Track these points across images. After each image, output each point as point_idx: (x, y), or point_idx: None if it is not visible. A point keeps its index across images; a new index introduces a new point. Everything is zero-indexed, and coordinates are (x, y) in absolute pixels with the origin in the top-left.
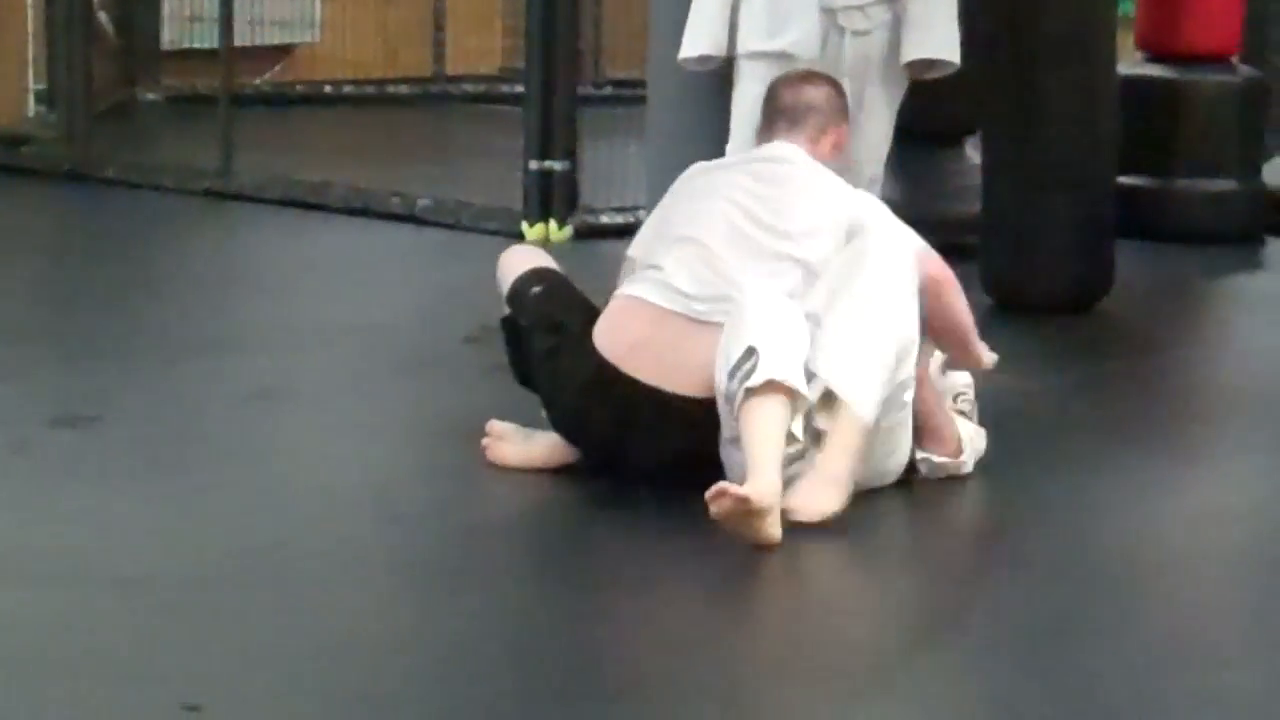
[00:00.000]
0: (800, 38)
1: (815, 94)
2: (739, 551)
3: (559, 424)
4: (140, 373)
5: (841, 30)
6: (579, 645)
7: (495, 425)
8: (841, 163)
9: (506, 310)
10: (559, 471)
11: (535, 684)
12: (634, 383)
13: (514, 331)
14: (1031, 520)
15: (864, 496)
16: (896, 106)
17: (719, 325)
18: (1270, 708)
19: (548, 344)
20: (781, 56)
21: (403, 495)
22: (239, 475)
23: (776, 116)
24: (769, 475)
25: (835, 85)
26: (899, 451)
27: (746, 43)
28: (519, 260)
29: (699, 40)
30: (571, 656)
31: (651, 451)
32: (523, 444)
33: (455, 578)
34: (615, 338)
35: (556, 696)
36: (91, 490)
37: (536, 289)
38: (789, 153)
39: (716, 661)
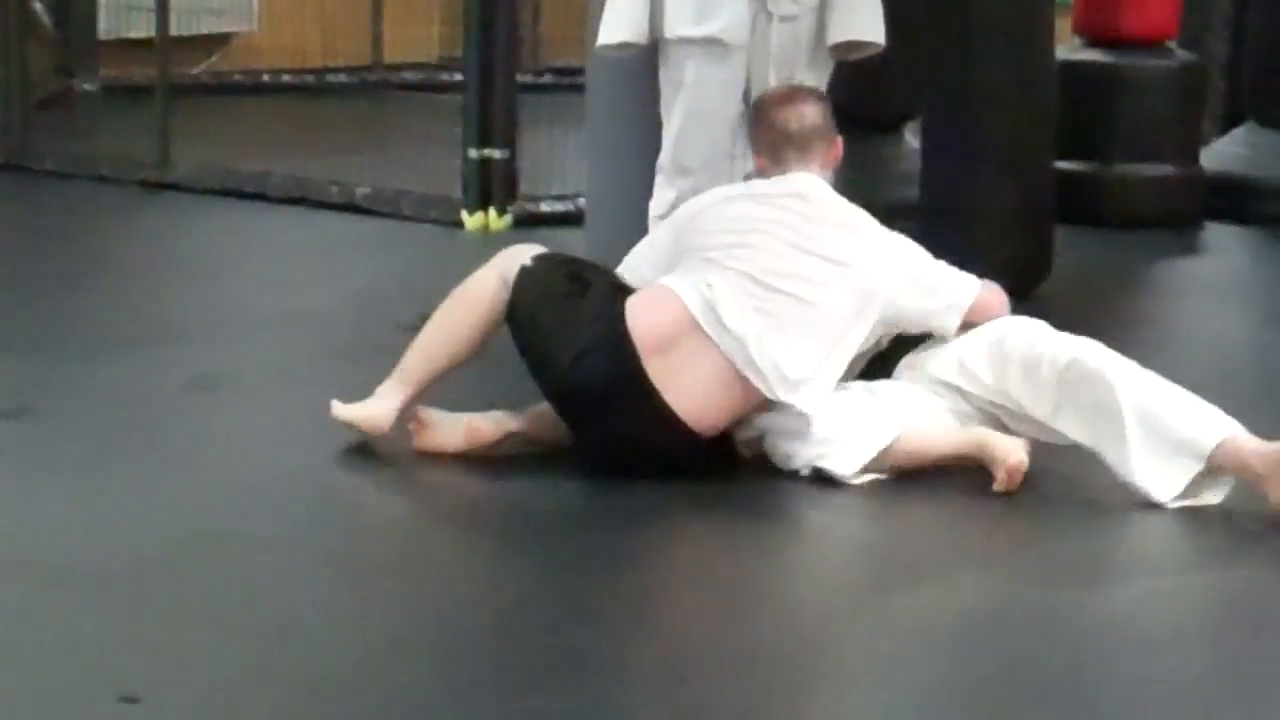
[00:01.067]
0: (730, 23)
1: (813, 114)
2: (681, 536)
3: (554, 363)
4: (77, 363)
5: (769, 15)
6: (515, 632)
7: (423, 413)
8: (832, 167)
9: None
10: (496, 460)
11: (470, 671)
12: (651, 390)
13: (532, 277)
14: (964, 507)
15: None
16: (825, 89)
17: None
18: (1212, 689)
19: (569, 287)
20: (711, 42)
21: (340, 483)
22: (176, 464)
23: (784, 145)
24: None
25: (821, 96)
26: None
27: (674, 27)
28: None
29: (618, 27)
30: (507, 643)
31: (630, 441)
32: (450, 428)
33: (392, 566)
34: (649, 323)
35: (492, 684)
36: (27, 481)
37: (563, 256)
38: (812, 188)
39: (656, 646)
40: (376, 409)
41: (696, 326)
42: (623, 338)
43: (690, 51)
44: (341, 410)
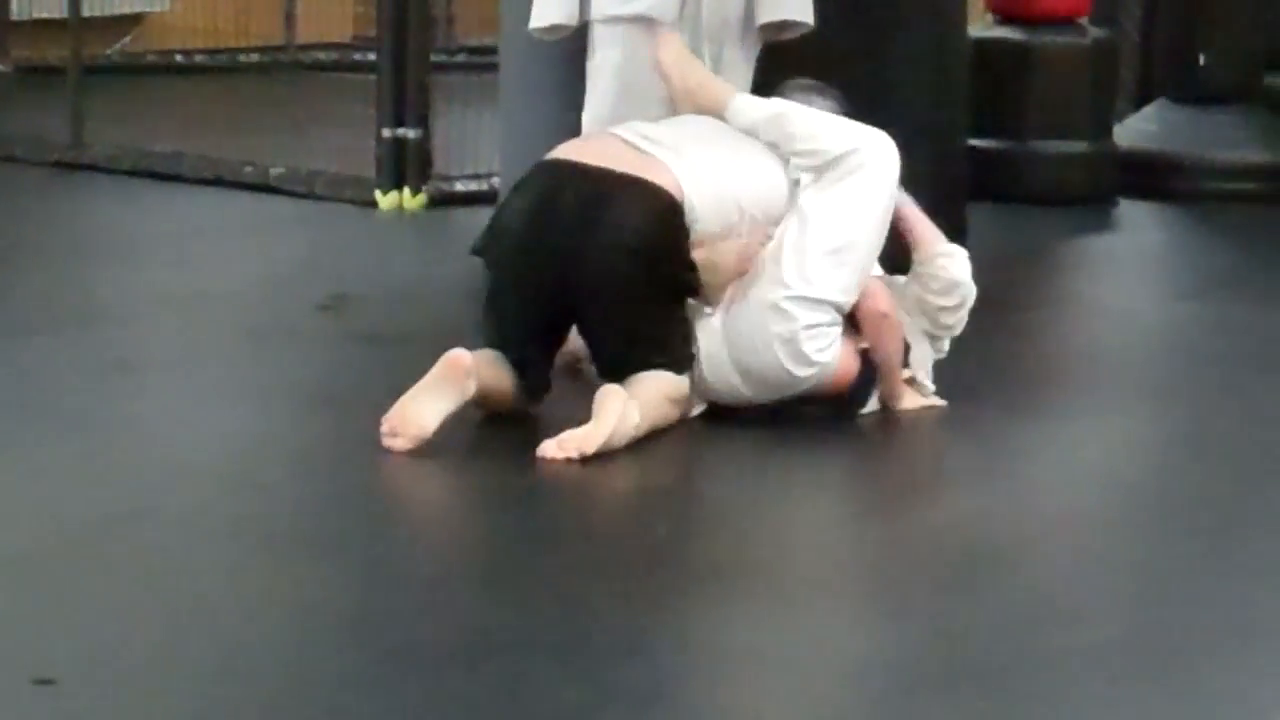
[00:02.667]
0: (659, 0)
1: (828, 105)
2: (598, 514)
3: (514, 239)
4: None
5: None
6: (431, 610)
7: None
8: None
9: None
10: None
11: (387, 650)
12: (599, 168)
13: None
14: (888, 483)
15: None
16: (753, 66)
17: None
18: (1130, 663)
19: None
20: (640, 20)
21: (257, 464)
22: (92, 446)
23: None
24: None
25: (827, 86)
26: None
27: (602, 7)
28: None
29: (548, 9)
30: (423, 622)
31: (622, 234)
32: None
33: (309, 546)
34: (566, 148)
35: (411, 665)
36: None
37: None
38: None
39: (574, 623)
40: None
41: (616, 138)
42: (578, 171)
43: (620, 30)
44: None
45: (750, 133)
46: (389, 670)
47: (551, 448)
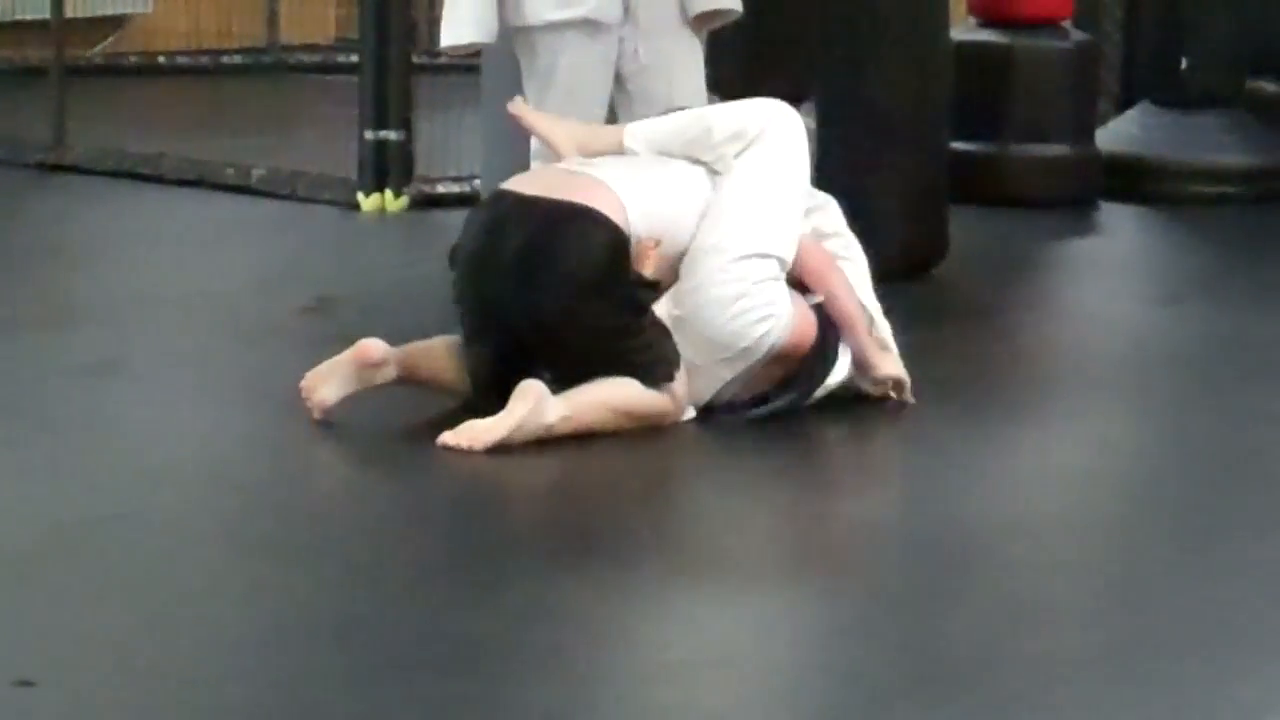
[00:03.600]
0: (600, 2)
1: None
2: (572, 519)
3: (466, 282)
4: None
5: None
6: (408, 615)
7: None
8: None
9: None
10: (390, 447)
11: (364, 655)
12: (550, 200)
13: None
14: (868, 486)
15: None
16: (700, 57)
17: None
18: (1104, 668)
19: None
20: (586, 23)
21: (239, 467)
22: (72, 448)
23: None
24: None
25: None
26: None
27: (538, 13)
28: None
29: (462, 28)
30: (404, 629)
31: (570, 266)
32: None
33: (290, 551)
34: (513, 183)
35: (388, 670)
36: None
37: None
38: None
39: (548, 629)
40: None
41: (550, 168)
42: (526, 203)
43: (560, 35)
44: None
45: (663, 151)
46: (369, 673)
47: (450, 437)
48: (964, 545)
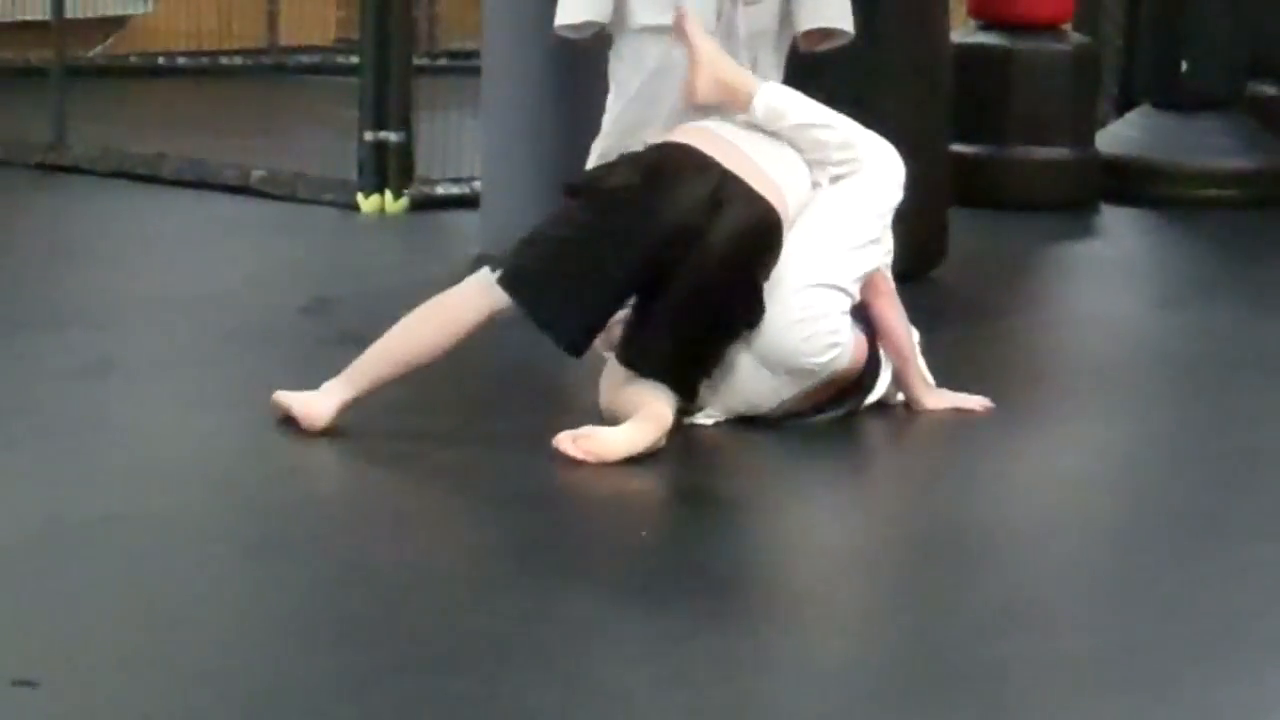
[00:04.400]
0: (698, 11)
1: None
2: (576, 521)
3: (632, 192)
4: None
5: (734, 1)
6: (411, 613)
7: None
8: None
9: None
10: (388, 445)
11: (367, 654)
12: (725, 168)
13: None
14: (865, 489)
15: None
16: (783, 71)
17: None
18: (1106, 671)
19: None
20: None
21: (237, 467)
22: (71, 448)
23: None
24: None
25: None
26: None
27: (638, 16)
28: None
29: (580, 6)
30: (402, 631)
31: (731, 237)
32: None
33: (288, 551)
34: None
35: (390, 667)
36: None
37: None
38: None
39: (551, 627)
40: (318, 404)
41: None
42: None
43: (656, 40)
44: (282, 396)
45: (778, 130)
46: (369, 673)
47: (567, 442)
48: (962, 547)
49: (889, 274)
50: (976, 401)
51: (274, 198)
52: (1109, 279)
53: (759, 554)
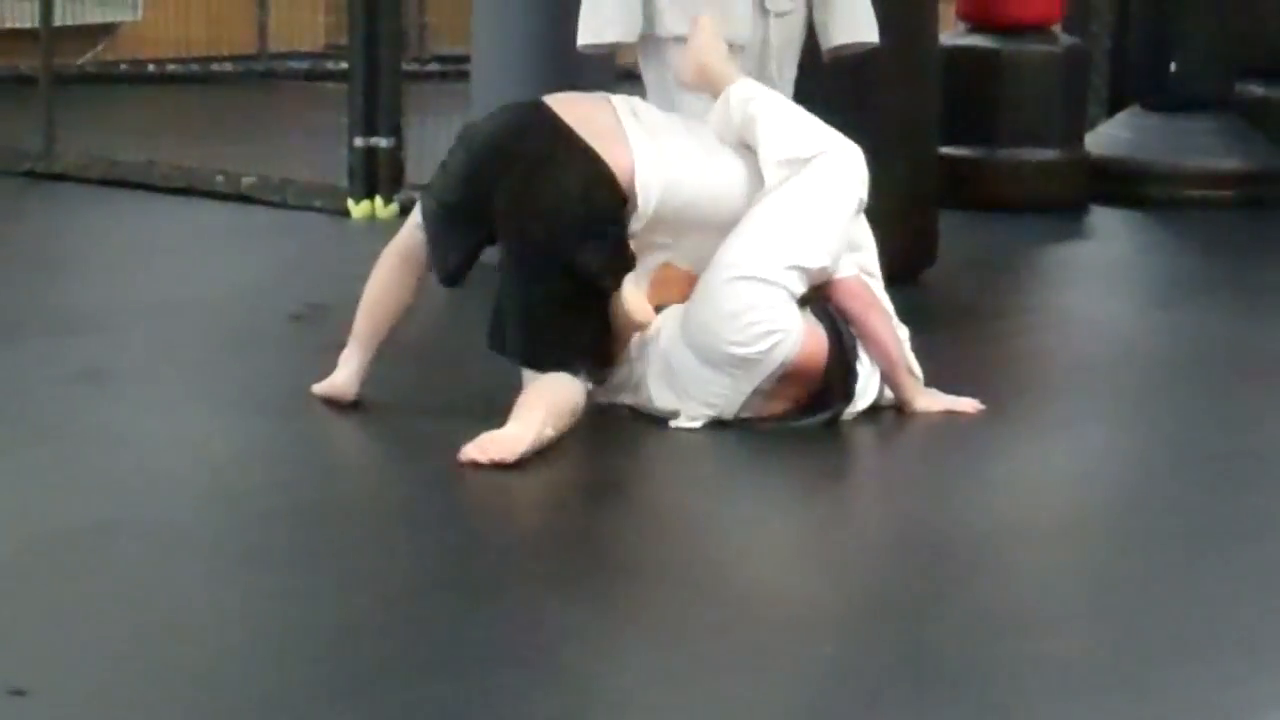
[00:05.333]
0: (739, 26)
1: None
2: (575, 524)
3: (474, 158)
4: None
5: (766, 12)
6: (407, 623)
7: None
8: None
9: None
10: (382, 452)
11: (363, 665)
12: (568, 128)
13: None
14: (860, 492)
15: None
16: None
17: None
18: (1095, 673)
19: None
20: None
21: (230, 474)
22: (63, 455)
23: None
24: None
25: None
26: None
27: (671, 27)
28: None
29: (606, 27)
30: (400, 635)
31: (556, 200)
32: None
33: (285, 559)
34: (559, 99)
35: (385, 678)
36: None
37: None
38: None
39: (548, 634)
40: (340, 378)
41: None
42: (538, 106)
43: (681, 50)
44: (316, 389)
45: (732, 127)
46: (364, 682)
47: (473, 451)
48: (957, 550)
49: (874, 279)
50: (967, 403)
51: (264, 204)
52: (1099, 280)
53: (746, 558)
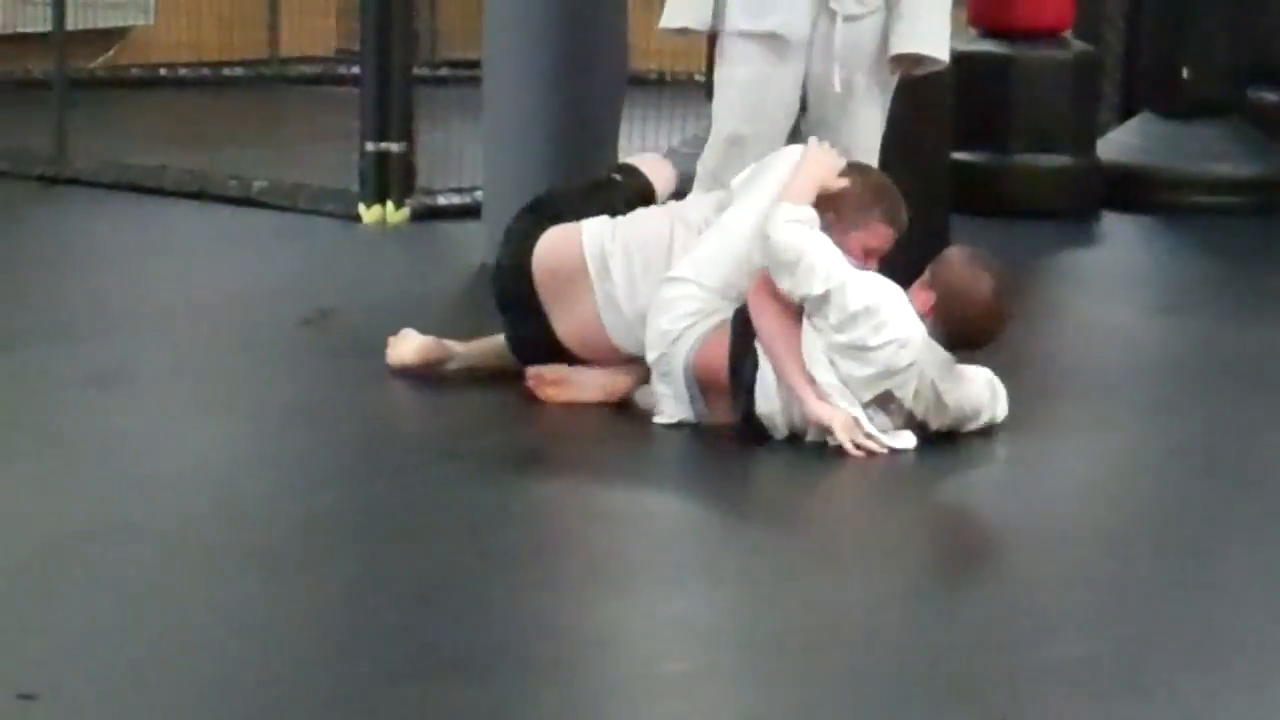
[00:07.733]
0: (788, 18)
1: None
2: (584, 532)
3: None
4: None
5: (833, 14)
6: (416, 627)
7: (539, 371)
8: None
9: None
10: (392, 458)
11: (370, 669)
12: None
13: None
14: (866, 496)
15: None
16: (889, 96)
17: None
18: (1108, 678)
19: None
20: (769, 37)
21: (239, 479)
22: (76, 459)
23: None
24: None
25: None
26: None
27: (735, 21)
28: None
29: (682, 12)
30: (409, 639)
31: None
32: (573, 383)
33: (293, 562)
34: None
35: (394, 678)
36: None
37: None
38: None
39: (560, 638)
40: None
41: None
42: (524, 257)
43: (749, 47)
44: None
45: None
46: (372, 685)
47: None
48: (963, 554)
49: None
50: (869, 439)
51: (276, 208)
52: (1110, 286)
53: (758, 561)
